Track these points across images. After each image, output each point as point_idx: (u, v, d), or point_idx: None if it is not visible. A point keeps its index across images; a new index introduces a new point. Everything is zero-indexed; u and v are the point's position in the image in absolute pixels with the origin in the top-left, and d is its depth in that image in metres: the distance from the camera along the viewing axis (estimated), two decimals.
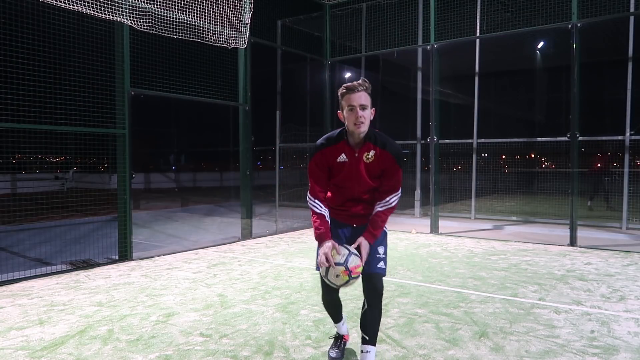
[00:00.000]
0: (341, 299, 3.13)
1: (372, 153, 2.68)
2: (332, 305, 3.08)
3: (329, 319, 3.58)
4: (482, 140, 10.75)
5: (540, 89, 13.96)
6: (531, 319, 3.96)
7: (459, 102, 12.51)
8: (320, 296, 3.10)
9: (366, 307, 2.78)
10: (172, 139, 23.86)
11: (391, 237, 8.23)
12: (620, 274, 5.55)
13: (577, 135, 7.43)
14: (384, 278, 2.82)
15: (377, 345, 2.90)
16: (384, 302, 3.82)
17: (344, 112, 2.62)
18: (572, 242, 7.42)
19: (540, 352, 3.27)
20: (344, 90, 2.61)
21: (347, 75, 12.61)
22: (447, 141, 10.51)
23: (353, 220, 2.87)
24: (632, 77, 8.96)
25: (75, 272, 5.69)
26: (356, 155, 2.68)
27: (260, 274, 5.55)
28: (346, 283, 2.59)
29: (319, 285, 4.88)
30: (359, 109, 2.55)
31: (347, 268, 2.56)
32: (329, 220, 2.78)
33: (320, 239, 2.69)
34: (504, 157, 11.08)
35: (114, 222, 6.90)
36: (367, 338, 2.77)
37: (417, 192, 11.28)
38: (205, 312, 4.16)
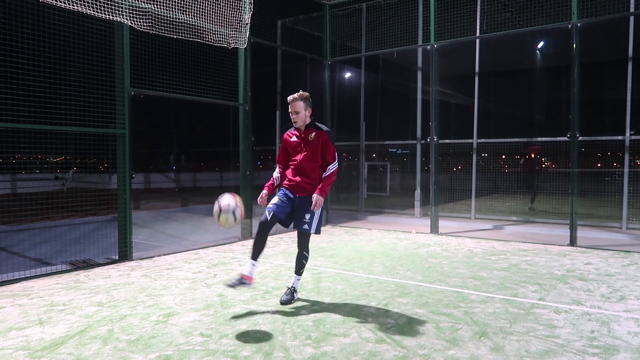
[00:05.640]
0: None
1: (313, 134, 4.23)
2: (261, 244, 4.14)
3: (329, 319, 3.94)
4: (482, 140, 10.75)
5: (540, 89, 13.94)
6: (531, 319, 3.96)
7: (459, 102, 12.50)
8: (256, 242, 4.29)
9: (297, 251, 4.37)
10: (172, 139, 23.84)
11: (391, 237, 8.23)
12: (620, 274, 5.55)
13: (577, 135, 7.43)
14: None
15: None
16: (383, 301, 4.55)
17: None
18: (572, 242, 7.42)
19: (540, 352, 3.27)
20: (288, 101, 4.25)
21: (347, 75, 12.61)
22: (447, 141, 10.51)
23: (299, 192, 4.24)
24: (632, 77, 8.95)
25: (75, 272, 5.69)
26: (302, 136, 4.28)
27: (260, 274, 5.55)
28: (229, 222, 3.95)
29: (319, 285, 4.94)
30: (293, 113, 4.21)
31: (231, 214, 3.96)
32: (275, 183, 4.41)
33: (265, 189, 4.34)
34: (504, 157, 11.08)
35: (114, 222, 6.89)
36: (295, 270, 4.43)
37: (417, 192, 11.28)
38: (205, 312, 4.16)
